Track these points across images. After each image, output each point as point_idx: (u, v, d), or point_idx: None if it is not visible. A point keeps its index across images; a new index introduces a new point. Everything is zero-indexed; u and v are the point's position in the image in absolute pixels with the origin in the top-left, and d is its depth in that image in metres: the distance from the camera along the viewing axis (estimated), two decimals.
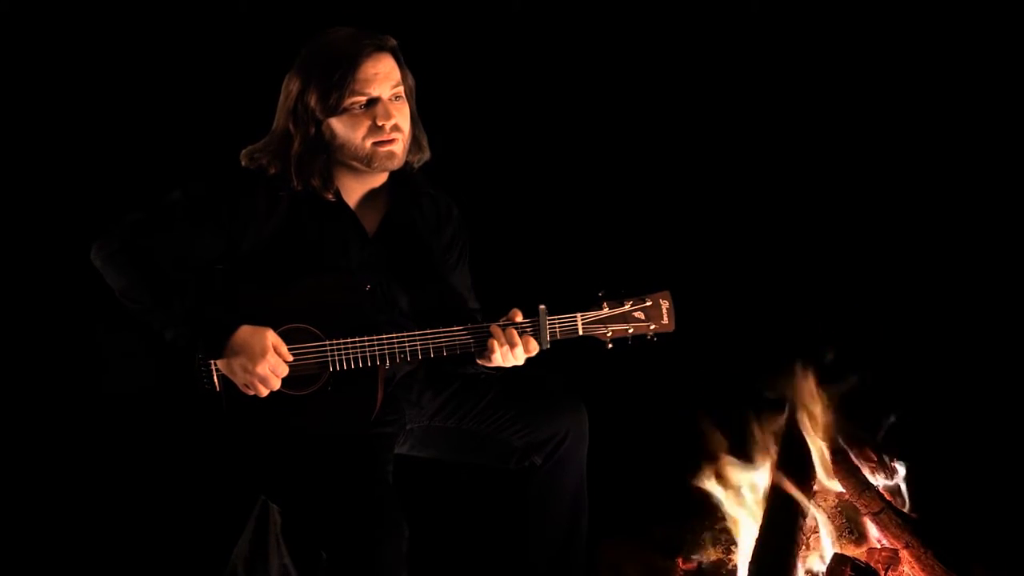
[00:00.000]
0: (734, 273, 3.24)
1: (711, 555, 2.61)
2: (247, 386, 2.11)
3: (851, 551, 2.47)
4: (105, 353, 2.17)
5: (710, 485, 2.61)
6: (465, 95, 3.11)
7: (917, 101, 3.20)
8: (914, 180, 3.24)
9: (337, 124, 2.16)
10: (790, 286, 3.19)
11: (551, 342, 2.18)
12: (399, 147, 2.19)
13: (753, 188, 3.28)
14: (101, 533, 2.94)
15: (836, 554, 2.43)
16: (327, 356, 2.14)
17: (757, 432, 2.65)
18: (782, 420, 2.63)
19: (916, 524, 2.48)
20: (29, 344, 3.00)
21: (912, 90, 3.20)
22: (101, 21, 3.02)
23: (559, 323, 2.18)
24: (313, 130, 2.17)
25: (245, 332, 2.09)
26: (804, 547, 2.47)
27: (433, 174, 2.35)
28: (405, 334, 2.15)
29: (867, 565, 2.41)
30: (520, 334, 2.16)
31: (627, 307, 2.19)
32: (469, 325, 2.17)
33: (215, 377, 2.14)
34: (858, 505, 2.53)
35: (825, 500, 2.56)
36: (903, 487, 2.62)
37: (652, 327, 2.20)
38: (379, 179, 2.27)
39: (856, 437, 2.65)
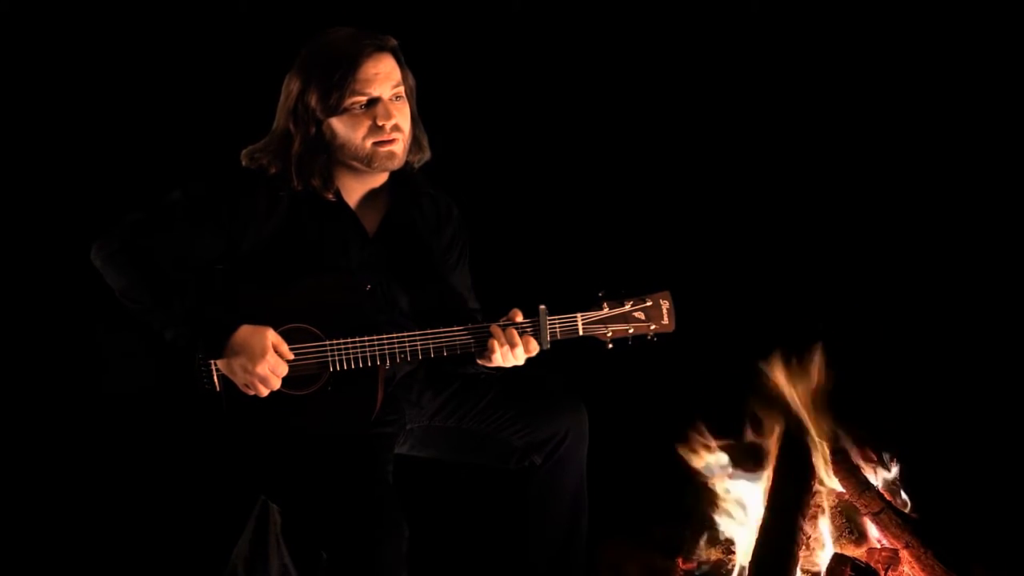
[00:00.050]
0: (734, 273, 3.24)
1: (711, 555, 2.61)
2: (247, 386, 2.11)
3: (851, 551, 2.47)
4: (105, 353, 2.16)
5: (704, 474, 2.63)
6: (465, 95, 3.11)
7: (916, 101, 3.20)
8: (912, 180, 3.24)
9: (337, 124, 2.16)
10: (790, 286, 3.19)
11: (551, 342, 2.18)
12: (399, 147, 2.19)
13: (753, 188, 3.28)
14: (101, 533, 2.94)
15: (836, 554, 2.43)
16: (327, 356, 2.14)
17: (758, 432, 2.65)
18: (782, 420, 2.63)
19: (916, 524, 2.48)
20: (29, 344, 3.00)
21: (911, 90, 3.20)
22: (101, 21, 3.02)
23: (559, 323, 2.18)
24: (313, 130, 2.17)
25: (245, 332, 2.09)
26: (804, 547, 2.47)
27: (433, 174, 2.35)
28: (405, 334, 2.15)
29: (867, 565, 2.41)
30: (520, 334, 2.16)
31: (627, 307, 2.19)
32: (469, 325, 2.17)
33: (215, 377, 2.14)
34: (858, 505, 2.53)
35: (825, 500, 2.56)
36: (903, 487, 2.62)
37: (652, 327, 2.20)
38: (379, 179, 2.27)
39: (856, 437, 2.65)
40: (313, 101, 2.14)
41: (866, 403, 2.72)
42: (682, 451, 2.65)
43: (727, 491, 2.62)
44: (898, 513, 2.50)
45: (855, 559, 2.41)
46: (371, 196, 2.27)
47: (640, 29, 3.25)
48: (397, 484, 2.21)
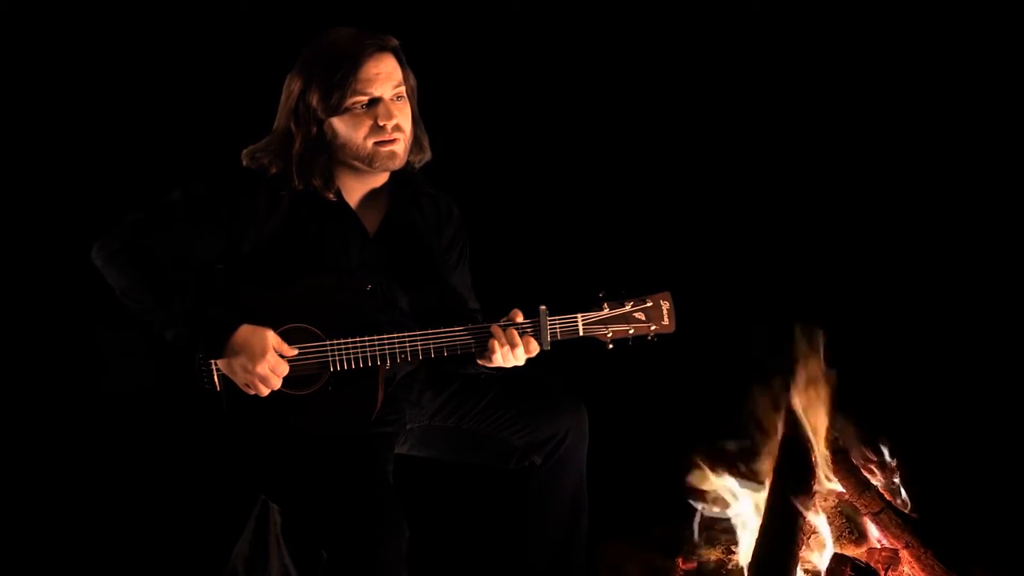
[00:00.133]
0: (734, 274, 3.24)
1: (711, 555, 2.61)
2: (247, 386, 2.11)
3: (851, 551, 2.47)
4: (105, 353, 2.17)
5: (705, 483, 2.63)
6: (465, 96, 3.11)
7: (916, 101, 3.21)
8: (913, 180, 3.24)
9: (339, 124, 2.16)
10: (790, 286, 3.19)
11: (552, 343, 2.18)
12: (400, 147, 2.19)
13: (753, 188, 3.28)
14: (101, 533, 2.94)
15: (836, 554, 2.43)
16: (328, 356, 2.14)
17: (757, 432, 2.65)
18: (782, 420, 2.62)
19: (916, 524, 2.48)
20: (30, 344, 3.00)
21: (910, 90, 3.20)
22: (101, 21, 3.02)
23: (560, 324, 2.18)
24: (314, 130, 2.17)
25: (245, 332, 2.09)
26: (804, 547, 2.47)
27: (434, 174, 2.35)
28: (406, 334, 2.15)
29: (867, 565, 2.41)
30: (521, 334, 2.16)
31: (628, 308, 2.19)
32: (470, 325, 2.17)
33: (215, 377, 2.14)
34: (858, 505, 2.53)
35: (825, 500, 2.56)
36: (902, 487, 2.62)
37: (653, 328, 2.20)
38: (380, 179, 2.27)
39: (856, 437, 2.65)
40: (314, 101, 2.14)
41: (866, 403, 2.72)
42: (692, 480, 2.65)
43: (727, 492, 2.62)
44: (898, 513, 2.50)
45: (855, 559, 2.41)
46: (372, 196, 2.27)
47: (640, 29, 3.25)
48: (397, 484, 2.21)
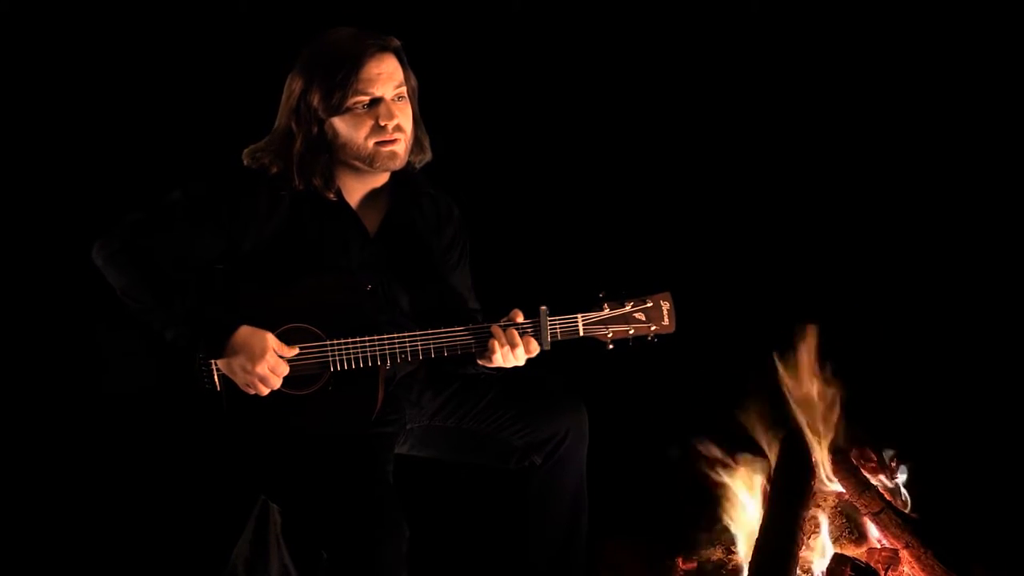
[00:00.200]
0: (734, 274, 3.24)
1: (711, 555, 2.62)
2: (247, 385, 2.11)
3: (851, 551, 2.48)
4: (105, 353, 2.16)
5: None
6: (465, 96, 3.11)
7: (915, 101, 3.20)
8: (913, 180, 3.24)
9: (340, 123, 2.16)
10: (791, 287, 3.19)
11: (552, 343, 2.18)
12: (401, 147, 2.19)
13: (753, 188, 3.28)
14: (101, 533, 2.94)
15: (836, 554, 2.43)
16: (328, 356, 2.14)
17: (758, 432, 2.65)
18: (782, 420, 2.63)
19: (916, 524, 2.49)
20: (29, 344, 3.00)
21: (911, 90, 3.20)
22: (101, 21, 3.02)
23: (560, 324, 2.18)
24: (315, 129, 2.16)
25: (245, 332, 2.09)
26: (804, 547, 2.47)
27: (434, 174, 2.35)
28: (406, 334, 2.15)
29: (867, 565, 2.41)
30: (521, 335, 2.16)
31: (628, 308, 2.19)
32: (470, 325, 2.17)
33: (215, 377, 2.14)
34: (858, 505, 2.53)
35: (825, 500, 2.56)
36: (903, 487, 2.62)
37: (653, 328, 2.20)
38: (380, 179, 2.27)
39: (856, 437, 2.65)
40: (315, 100, 2.14)
41: (866, 403, 2.72)
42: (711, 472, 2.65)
43: (728, 492, 2.62)
44: (898, 513, 2.51)
45: (855, 559, 2.41)
46: (372, 196, 2.27)
47: (640, 29, 3.25)
48: (397, 484, 2.21)
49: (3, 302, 3.04)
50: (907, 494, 2.61)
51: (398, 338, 2.15)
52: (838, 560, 2.40)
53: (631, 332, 2.19)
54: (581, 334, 2.19)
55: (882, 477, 2.62)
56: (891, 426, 2.73)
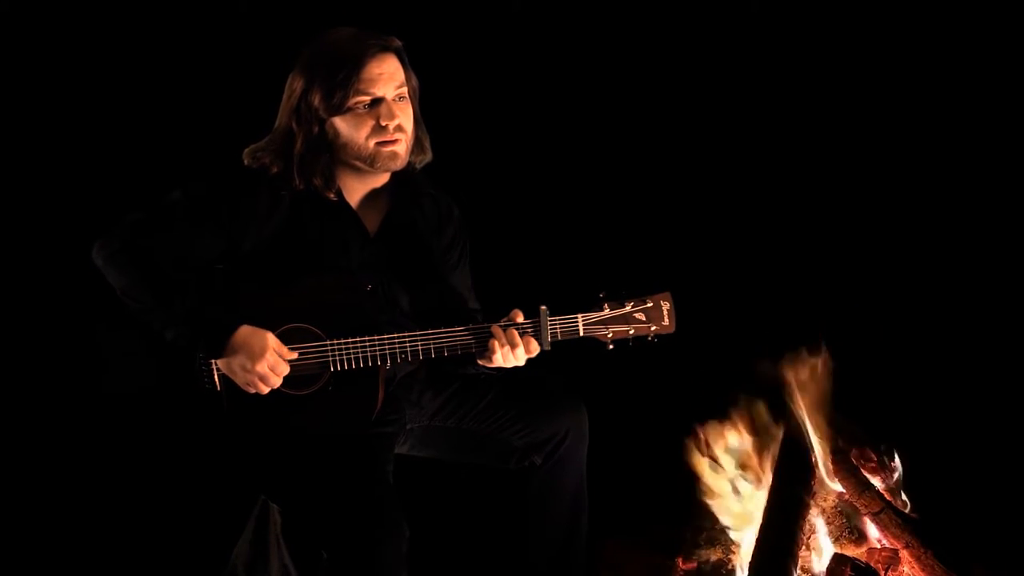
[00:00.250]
0: (735, 274, 3.24)
1: (711, 555, 2.62)
2: (248, 384, 2.11)
3: (851, 551, 2.47)
4: (105, 353, 2.16)
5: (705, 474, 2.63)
6: (465, 96, 3.11)
7: (915, 101, 3.20)
8: (914, 181, 3.24)
9: (340, 123, 2.16)
10: (791, 287, 3.19)
11: (552, 343, 2.18)
12: (402, 148, 2.19)
13: (754, 188, 3.28)
14: (101, 533, 2.94)
15: (836, 554, 2.43)
16: (328, 356, 2.14)
17: (758, 432, 2.65)
18: (782, 420, 2.63)
19: (916, 524, 2.48)
20: (29, 344, 3.00)
21: (910, 91, 3.20)
22: (101, 21, 3.02)
23: (560, 324, 2.18)
24: (316, 129, 2.16)
25: (245, 332, 2.09)
26: (804, 547, 2.47)
27: (434, 174, 2.35)
28: (406, 334, 2.15)
29: (867, 565, 2.41)
30: (521, 335, 2.16)
31: (628, 308, 2.19)
32: (470, 325, 2.17)
33: (216, 376, 2.14)
34: (858, 505, 2.53)
35: (825, 500, 2.56)
36: (903, 487, 2.62)
37: (653, 328, 2.20)
38: (381, 179, 2.27)
39: (856, 437, 2.65)
40: (316, 100, 2.14)
41: (866, 403, 2.72)
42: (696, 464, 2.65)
43: (728, 491, 2.62)
44: (898, 513, 2.50)
45: (855, 559, 2.41)
46: (372, 196, 2.27)
47: (640, 29, 3.25)
48: (397, 484, 2.21)
49: (3, 302, 3.03)
50: (906, 494, 2.61)
51: (398, 338, 2.15)
52: (838, 560, 2.40)
53: (631, 332, 2.20)
54: (581, 334, 2.19)
55: (882, 477, 2.62)
56: (891, 426, 2.72)
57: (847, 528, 2.52)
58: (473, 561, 2.80)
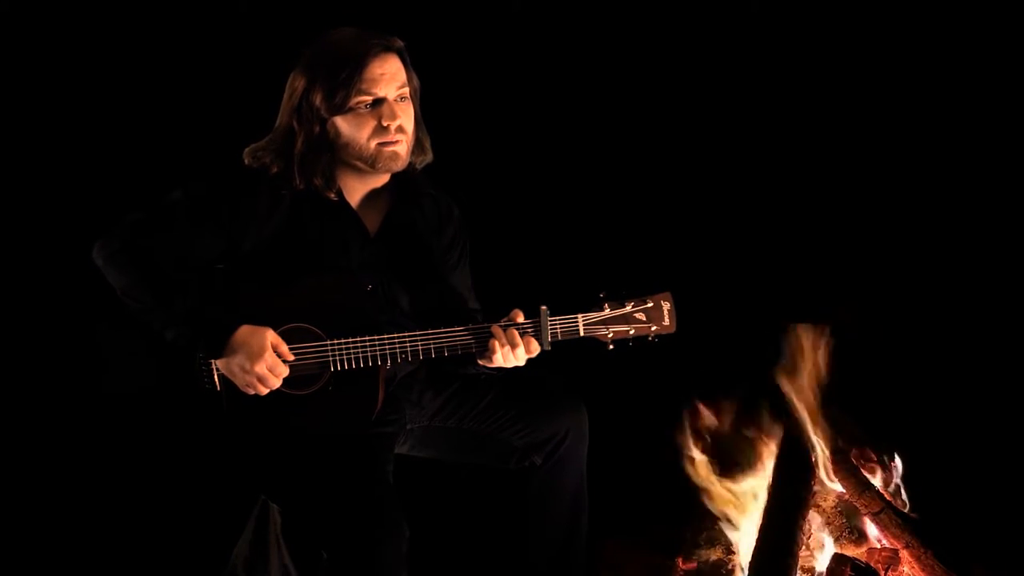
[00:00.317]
0: (735, 274, 3.24)
1: (711, 555, 2.62)
2: (248, 386, 2.11)
3: (851, 551, 2.48)
4: (105, 353, 2.16)
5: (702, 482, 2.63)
6: (465, 96, 3.11)
7: (916, 99, 3.20)
8: (913, 181, 3.24)
9: (342, 123, 2.16)
10: (791, 287, 3.19)
11: (552, 343, 2.18)
12: (403, 148, 2.19)
13: (754, 188, 3.28)
14: (101, 533, 2.94)
15: (836, 554, 2.43)
16: (328, 356, 2.14)
17: (758, 432, 2.65)
18: (782, 420, 2.63)
19: (916, 524, 2.49)
20: (29, 344, 3.00)
21: (911, 88, 3.20)
22: (101, 21, 3.02)
23: (560, 324, 2.18)
24: (317, 129, 2.16)
25: (245, 332, 2.09)
26: (804, 547, 2.47)
27: (434, 175, 2.35)
28: (406, 334, 2.15)
29: (867, 565, 2.41)
30: (521, 335, 2.16)
31: (628, 308, 2.19)
32: (470, 325, 2.17)
33: (215, 377, 2.14)
34: (858, 505, 2.53)
35: (825, 500, 2.56)
36: (903, 487, 2.62)
37: (653, 328, 2.20)
38: (381, 179, 2.27)
39: (856, 437, 2.65)
40: (318, 99, 2.14)
41: (867, 402, 2.72)
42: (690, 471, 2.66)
43: (728, 491, 2.62)
44: (898, 513, 2.51)
45: (855, 559, 2.42)
46: (373, 196, 2.27)
47: (640, 29, 3.25)
48: (397, 484, 2.21)
49: (3, 302, 3.03)
50: (906, 494, 2.61)
51: (398, 338, 2.15)
52: (838, 560, 2.40)
53: (631, 332, 2.20)
54: (581, 334, 2.19)
55: (882, 477, 2.62)
56: (891, 425, 2.72)
57: (847, 528, 2.52)
58: (473, 561, 2.80)
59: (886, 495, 2.56)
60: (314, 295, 2.17)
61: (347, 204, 2.24)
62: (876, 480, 2.60)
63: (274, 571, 2.36)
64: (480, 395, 2.34)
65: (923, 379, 3.11)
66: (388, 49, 2.16)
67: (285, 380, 2.12)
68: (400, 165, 2.20)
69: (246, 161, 2.21)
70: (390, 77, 2.15)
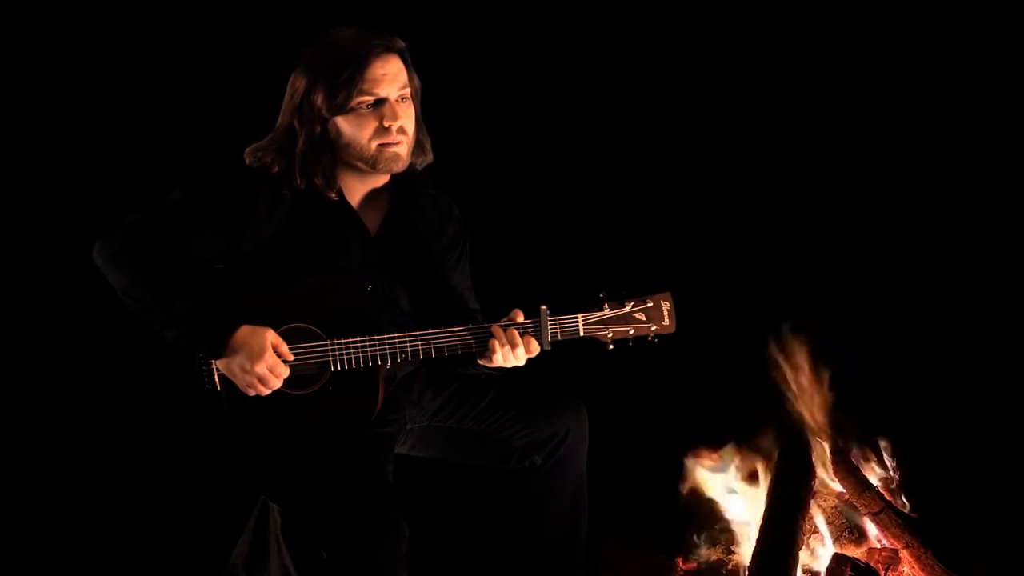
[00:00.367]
0: (735, 274, 3.24)
1: (711, 555, 2.62)
2: (248, 386, 2.10)
3: (851, 551, 2.48)
4: (105, 353, 2.16)
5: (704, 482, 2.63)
6: (465, 96, 3.11)
7: (915, 99, 3.20)
8: (913, 180, 3.24)
9: (343, 123, 2.16)
10: (791, 286, 3.18)
11: (552, 343, 2.18)
12: (404, 149, 2.19)
13: (754, 188, 3.28)
14: (101, 533, 2.94)
15: (836, 554, 2.44)
16: (328, 356, 2.14)
17: (757, 432, 2.65)
18: (782, 420, 2.63)
19: (916, 524, 2.49)
20: (29, 344, 3.00)
21: (910, 88, 3.20)
22: (101, 21, 3.02)
23: (560, 324, 2.18)
24: (319, 128, 2.16)
25: (245, 332, 2.09)
26: (804, 547, 2.47)
27: (434, 175, 2.35)
28: (406, 334, 2.15)
29: (867, 565, 2.41)
30: (521, 334, 2.16)
31: (628, 308, 2.19)
32: (470, 325, 2.17)
33: (216, 377, 2.14)
34: (858, 505, 2.53)
35: (825, 500, 2.56)
36: (902, 487, 2.63)
37: (653, 328, 2.20)
38: (382, 179, 2.27)
39: (856, 437, 2.65)
40: (319, 99, 2.14)
41: (866, 402, 2.72)
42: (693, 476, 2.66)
43: (728, 492, 2.62)
44: (898, 513, 2.51)
45: (855, 559, 2.42)
46: (373, 196, 2.27)
47: (640, 29, 3.25)
48: (397, 484, 2.21)
49: (3, 302, 3.03)
50: (906, 494, 2.61)
51: (398, 338, 2.15)
52: (838, 560, 2.40)
53: (631, 332, 2.20)
54: (581, 334, 2.19)
55: (882, 477, 2.62)
56: (892, 425, 2.72)
57: (847, 528, 2.52)
58: (473, 561, 2.80)
59: (886, 495, 2.56)
60: (314, 295, 2.17)
61: (348, 204, 2.24)
62: (876, 480, 2.60)
63: (274, 571, 2.36)
64: (480, 395, 2.34)
65: (923, 378, 3.11)
66: (390, 50, 2.16)
67: (285, 380, 2.12)
68: (401, 166, 2.20)
69: (247, 161, 2.21)
70: (392, 78, 2.15)
